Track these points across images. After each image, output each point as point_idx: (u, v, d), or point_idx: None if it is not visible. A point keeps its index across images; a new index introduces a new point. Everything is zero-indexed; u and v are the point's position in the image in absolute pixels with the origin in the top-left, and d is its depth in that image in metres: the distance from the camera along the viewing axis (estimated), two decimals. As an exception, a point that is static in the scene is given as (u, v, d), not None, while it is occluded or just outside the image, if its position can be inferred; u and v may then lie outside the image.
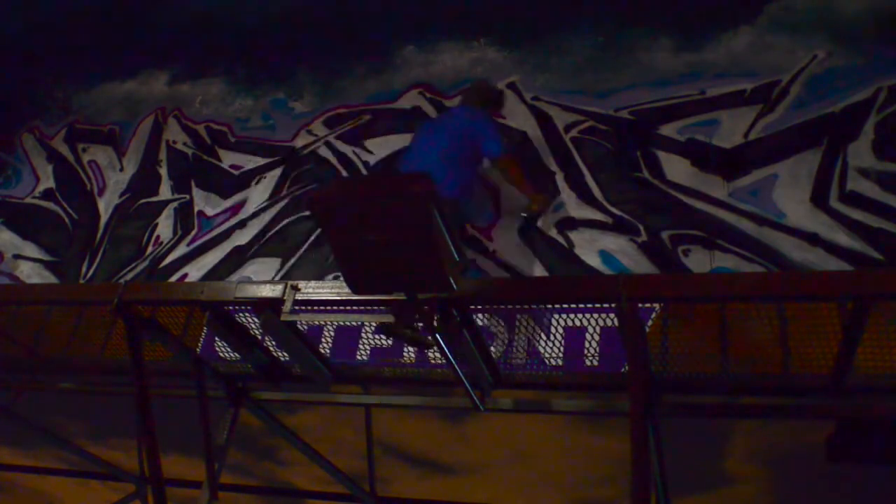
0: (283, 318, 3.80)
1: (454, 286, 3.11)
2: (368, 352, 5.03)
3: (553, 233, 5.52)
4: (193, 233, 6.66)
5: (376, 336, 4.98)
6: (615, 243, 5.35)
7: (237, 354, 4.80)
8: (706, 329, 4.31)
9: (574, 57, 6.13)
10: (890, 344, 4.01)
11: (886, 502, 4.30)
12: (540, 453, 4.54)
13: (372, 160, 6.37)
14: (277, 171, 6.65)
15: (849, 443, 4.20)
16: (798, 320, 4.20)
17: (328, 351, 4.98)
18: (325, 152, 6.57)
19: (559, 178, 5.73)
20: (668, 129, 5.59)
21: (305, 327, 4.64)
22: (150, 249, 6.72)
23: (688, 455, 4.29)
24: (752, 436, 4.32)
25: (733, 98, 5.39)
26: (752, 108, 5.48)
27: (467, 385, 4.05)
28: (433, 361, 4.69)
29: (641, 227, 5.34)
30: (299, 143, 6.71)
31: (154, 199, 7.06)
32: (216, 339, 5.01)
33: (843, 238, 4.92)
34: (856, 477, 4.25)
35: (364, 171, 6.29)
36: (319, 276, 5.68)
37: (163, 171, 7.17)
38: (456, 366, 3.84)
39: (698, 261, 5.11)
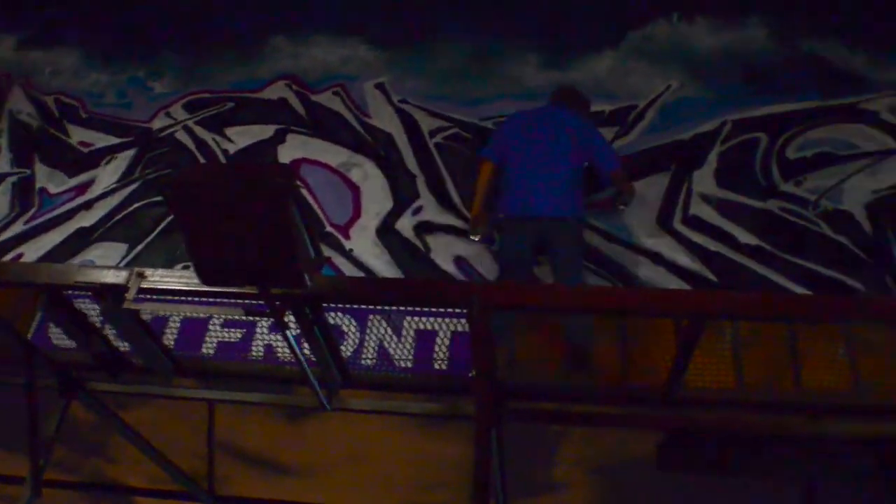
0: (125, 305, 3.63)
1: (308, 282, 3.07)
2: (215, 345, 4.90)
3: (410, 236, 5.56)
4: (33, 210, 6.26)
5: (225, 329, 4.86)
6: (471, 250, 5.45)
7: (73, 342, 4.54)
8: (552, 338, 4.44)
9: (445, 64, 6.21)
10: (718, 361, 4.27)
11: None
12: (378, 456, 4.57)
13: (232, 149, 6.20)
14: (131, 152, 6.35)
15: (678, 452, 4.43)
16: (638, 334, 4.41)
17: (172, 343, 4.81)
18: (183, 137, 6.34)
19: (420, 182, 5.77)
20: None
21: (149, 317, 4.46)
22: (-20, 225, 6.26)
23: (525, 460, 4.41)
24: (589, 443, 4.51)
25: (593, 118, 5.60)
26: (610, 130, 5.72)
27: (315, 383, 3.99)
28: (282, 358, 4.62)
29: (497, 236, 5.46)
30: (156, 125, 6.44)
31: (-11, 171, 6.59)
32: (51, 325, 4.74)
33: (683, 259, 5.21)
34: (684, 486, 4.48)
35: (223, 160, 6.11)
36: (168, 265, 5.48)
37: (2, 142, 6.70)
38: (304, 363, 3.79)
39: (549, 272, 5.28)
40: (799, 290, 5.02)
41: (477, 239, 5.20)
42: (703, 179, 5.51)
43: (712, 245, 5.28)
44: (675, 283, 5.17)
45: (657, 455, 4.43)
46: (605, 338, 4.47)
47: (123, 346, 4.51)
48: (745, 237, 5.26)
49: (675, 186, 5.48)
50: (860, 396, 4.15)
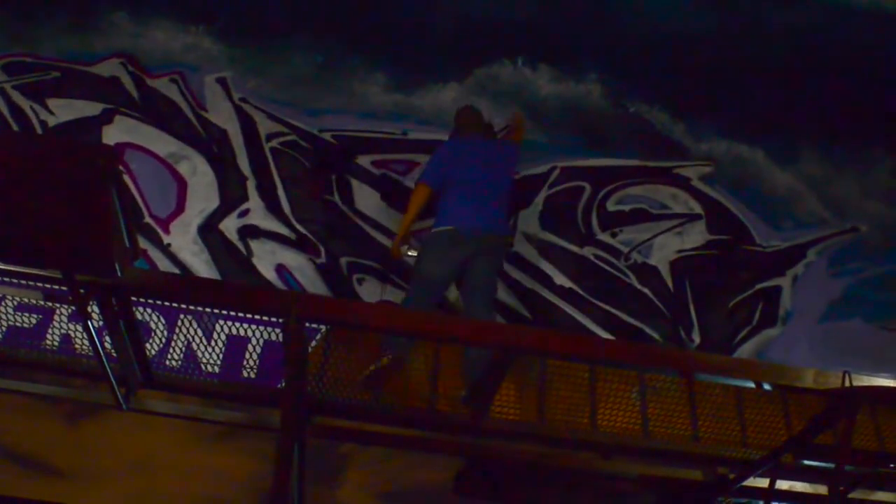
0: None
1: (118, 273, 2.91)
2: (4, 330, 4.54)
3: (234, 238, 5.41)
4: None
5: (17, 313, 4.52)
6: (295, 260, 5.38)
7: None
8: (365, 358, 4.45)
9: (291, 69, 6.12)
10: (524, 395, 4.43)
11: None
12: (163, 467, 4.36)
13: (52, 121, 5.79)
14: (-69, 110, 5.80)
15: (476, 480, 4.54)
16: (448, 361, 4.50)
17: (-45, 321, 4.41)
18: (-4, 100, 5.86)
19: (250, 185, 5.64)
20: (365, 160, 5.77)
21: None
22: None
23: (320, 478, 4.38)
24: (388, 465, 4.53)
25: (431, 145, 5.70)
26: (445, 160, 5.82)
27: (113, 380, 3.78)
28: (80, 351, 4.34)
29: (322, 249, 5.43)
30: (-34, 83, 5.92)
31: None
32: None
33: (501, 293, 5.38)
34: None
35: (40, 131, 5.70)
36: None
37: None
38: (104, 358, 3.58)
39: (370, 291, 5.31)
40: (603, 333, 5.31)
41: (407, 256, 5.14)
42: (529, 219, 5.73)
43: (528, 283, 5.50)
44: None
45: (455, 480, 4.52)
46: (418, 363, 4.53)
47: None
48: (560, 279, 5.52)
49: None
50: (647, 440, 4.43)
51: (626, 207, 5.86)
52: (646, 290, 5.57)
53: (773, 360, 5.27)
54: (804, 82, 6.42)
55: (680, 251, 5.74)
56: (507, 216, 5.19)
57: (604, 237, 5.72)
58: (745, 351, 5.45)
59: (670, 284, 5.61)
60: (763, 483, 4.21)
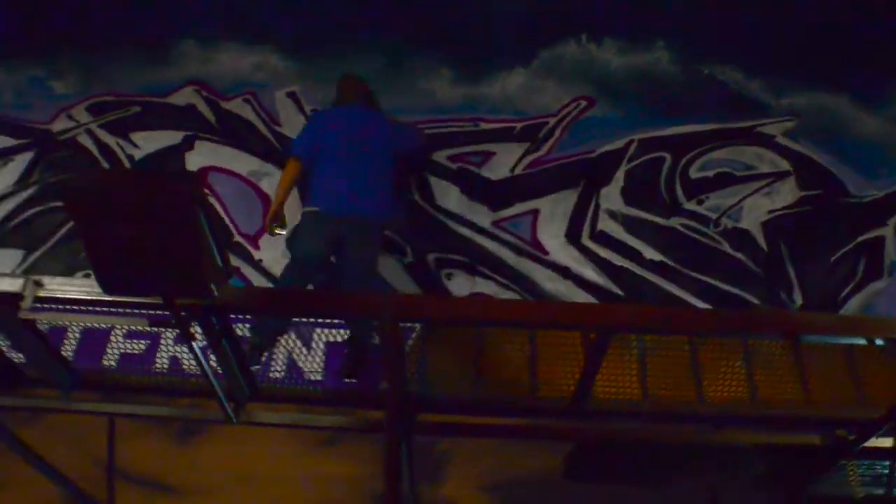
0: (20, 315, 3.47)
1: (215, 293, 3.00)
2: (117, 357, 4.73)
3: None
4: (-75, 216, 5.93)
5: (127, 340, 4.71)
6: (382, 262, 5.43)
7: (-38, 353, 4.32)
8: (463, 351, 4.47)
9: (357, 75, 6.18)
10: (624, 374, 4.38)
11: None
12: (272, 477, 4.47)
13: (137, 155, 6.01)
14: (28, 155, 6.08)
15: (585, 463, 4.51)
16: (546, 346, 4.48)
17: (72, 355, 4.61)
18: (85, 140, 6.11)
19: (333, 193, 5.72)
20: (440, 156, 5.79)
21: (47, 327, 4.28)
22: None
23: (430, 474, 4.43)
24: (494, 455, 4.54)
25: (504, 133, 5.69)
26: (521, 145, 5.81)
27: (221, 397, 3.91)
28: (188, 371, 4.50)
29: (408, 248, 5.47)
30: (57, 127, 6.19)
31: None
32: (-62, 335, 4.49)
33: (590, 273, 5.33)
34: (589, 496, 4.58)
35: (128, 165, 5.92)
36: (67, 274, 5.27)
37: None
38: (211, 376, 3.70)
39: (460, 285, 5.32)
40: (700, 304, 5.19)
41: (275, 235, 5.05)
42: (611, 196, 5.65)
43: (618, 260, 5.42)
44: (582, 296, 5.28)
45: (564, 465, 4.50)
46: (516, 350, 4.52)
47: (18, 357, 4.31)
48: (649, 253, 5.42)
49: (583, 202, 5.60)
50: (757, 407, 4.31)
51: (710, 173, 5.71)
52: (740, 255, 5.42)
53: (883, 314, 5.06)
54: (884, 17, 6.11)
55: (771, 211, 5.56)
56: (388, 196, 4.93)
57: (690, 206, 5.59)
58: (852, 307, 5.24)
59: (765, 246, 5.44)
60: (887, 442, 4.05)
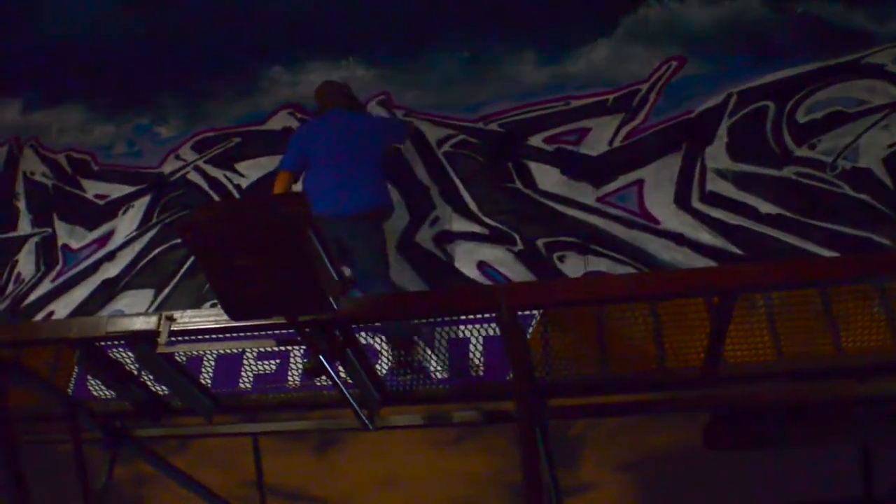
0: (158, 350, 3.65)
1: (335, 306, 3.07)
2: (251, 379, 4.91)
3: (430, 247, 5.56)
4: (58, 268, 6.34)
5: (259, 362, 4.88)
6: (492, 254, 5.45)
7: (112, 392, 4.58)
8: (585, 332, 4.42)
9: (440, 72, 6.22)
10: (754, 335, 4.23)
11: (760, 483, 4.55)
12: (411, 479, 4.55)
13: (244, 183, 6.25)
14: (146, 199, 6.42)
15: (725, 430, 4.39)
16: (669, 317, 4.38)
17: (209, 381, 4.83)
18: (194, 177, 6.39)
19: (434, 193, 5.78)
20: (536, 140, 5.75)
21: (184, 359, 4.49)
22: (10, 288, 6.34)
23: (569, 459, 4.42)
24: (634, 432, 4.48)
25: (596, 107, 5.60)
26: (615, 117, 5.71)
27: (355, 405, 4.00)
28: (319, 384, 4.63)
29: (517, 237, 5.46)
30: (167, 168, 6.51)
31: (12, 234, 6.68)
32: (88, 377, 4.78)
33: (705, 236, 5.18)
34: (732, 463, 4.46)
35: (236, 195, 6.16)
36: (196, 305, 5.52)
37: (20, 205, 6.79)
38: (342, 386, 3.79)
39: (573, 266, 5.27)
40: (826, 253, 4.97)
41: None
42: (716, 155, 5.47)
43: (733, 219, 5.24)
44: (700, 261, 5.14)
45: (703, 435, 4.39)
46: (638, 325, 4.44)
47: (162, 389, 4.55)
48: (765, 207, 5.22)
49: (688, 165, 5.44)
50: (904, 353, 4.08)
51: (819, 114, 5.43)
52: (864, 196, 5.14)
53: None
54: None
55: (891, 145, 5.25)
56: (379, 188, 5.06)
57: (802, 152, 5.34)
58: None
59: (889, 184, 5.14)
60: None
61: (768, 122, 5.48)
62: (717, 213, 5.28)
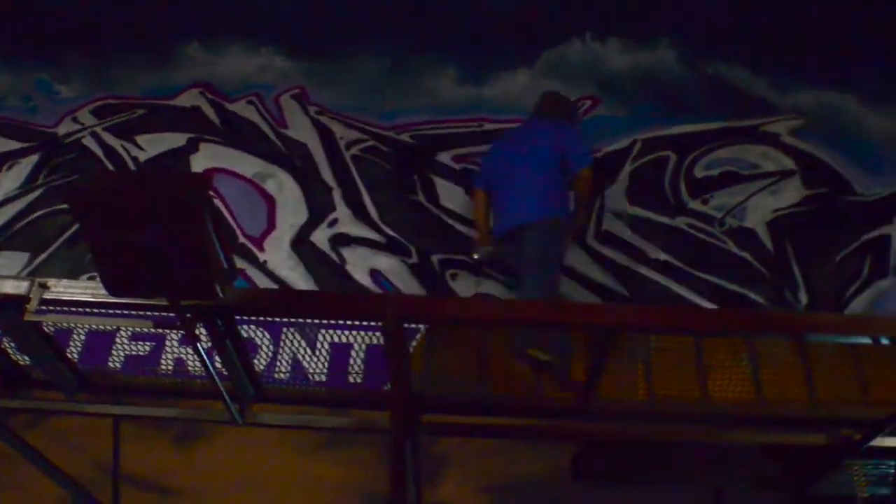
0: (26, 317, 3.48)
1: (220, 294, 3.00)
2: (122, 359, 4.74)
3: (326, 248, 5.51)
4: (-71, 219, 5.95)
5: (133, 342, 4.72)
6: (386, 263, 5.44)
7: (-32, 357, 4.33)
8: (467, 352, 4.46)
9: (359, 76, 6.20)
10: (630, 373, 4.36)
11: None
12: (273, 482, 4.47)
13: (142, 157, 6.03)
14: (34, 158, 6.12)
15: (593, 462, 4.50)
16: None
17: (77, 357, 4.63)
18: (90, 143, 6.14)
19: (336, 195, 5.74)
20: (444, 157, 5.79)
21: (52, 329, 4.29)
22: None
23: (434, 476, 4.45)
24: (500, 456, 4.55)
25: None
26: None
27: (227, 398, 3.91)
28: (193, 372, 4.50)
29: (413, 249, 5.48)
30: (62, 130, 6.22)
31: None
32: (-56, 338, 4.51)
33: (595, 273, 5.32)
34: (595, 496, 4.57)
35: (133, 168, 5.94)
36: (73, 276, 5.28)
37: None
38: (216, 377, 3.70)
39: (465, 286, 5.32)
40: (705, 303, 5.18)
41: (479, 258, 5.15)
42: (616, 196, 5.64)
43: (623, 260, 5.41)
44: (587, 296, 5.27)
45: (572, 465, 4.49)
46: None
47: (24, 359, 4.33)
48: (654, 252, 5.41)
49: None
50: (762, 407, 4.30)
51: (715, 172, 5.70)
52: (745, 255, 5.40)
53: (889, 313, 5.04)
54: (889, 18, 6.08)
55: (776, 210, 5.55)
56: (552, 198, 4.84)
57: (695, 205, 5.58)
58: (858, 306, 5.22)
59: (770, 246, 5.42)
60: (892, 442, 4.03)
61: (668, 172, 5.70)
62: (609, 253, 5.44)
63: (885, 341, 3.66)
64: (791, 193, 5.61)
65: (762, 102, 5.95)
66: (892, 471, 4.25)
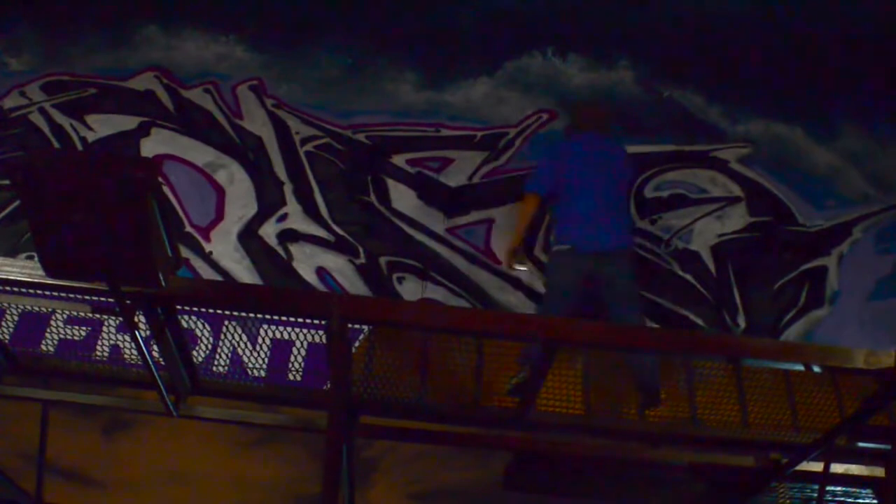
0: (-43, 294, 3.39)
1: (162, 283, 2.95)
2: (56, 343, 4.62)
3: (273, 243, 5.47)
4: None
5: (68, 326, 4.61)
6: (333, 262, 5.42)
7: None
8: (409, 356, 4.46)
9: (321, 72, 6.15)
10: (568, 387, 4.41)
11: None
12: (201, 476, 4.41)
13: (91, 137, 5.90)
14: (-24, 131, 5.94)
15: (526, 474, 4.53)
16: (493, 356, 4.49)
17: (8, 338, 4.50)
18: (37, 119, 5.98)
19: (287, 189, 5.69)
20: (399, 159, 5.79)
21: (-16, 308, 4.18)
22: None
23: (366, 479, 4.43)
24: (433, 462, 4.55)
25: (464, 141, 5.71)
26: (480, 154, 5.84)
27: (162, 388, 3.84)
28: (129, 360, 4.42)
29: (361, 250, 5.46)
30: (9, 103, 6.05)
31: None
32: None
33: (540, 286, 5.35)
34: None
35: (81, 148, 5.81)
36: (10, 254, 5.15)
37: None
38: (153, 367, 3.64)
39: (411, 289, 5.32)
40: (647, 323, 5.26)
41: (516, 269, 5.09)
42: (566, 210, 5.68)
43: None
44: (532, 308, 5.31)
45: (504, 475, 4.51)
46: (462, 358, 4.53)
47: (-49, 337, 4.20)
48: (600, 269, 5.46)
49: (537, 215, 5.62)
50: (695, 427, 4.38)
51: (664, 193, 5.79)
52: (688, 277, 5.51)
53: (822, 342, 5.17)
54: (840, 57, 6.27)
55: (721, 235, 5.66)
56: (629, 224, 4.99)
57: (643, 224, 5.66)
58: (793, 333, 5.36)
59: (713, 269, 5.53)
60: (817, 467, 4.14)
61: (619, 190, 5.76)
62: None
63: (816, 369, 3.75)
64: (736, 220, 5.72)
65: (714, 129, 6.07)
66: (816, 495, 4.35)
